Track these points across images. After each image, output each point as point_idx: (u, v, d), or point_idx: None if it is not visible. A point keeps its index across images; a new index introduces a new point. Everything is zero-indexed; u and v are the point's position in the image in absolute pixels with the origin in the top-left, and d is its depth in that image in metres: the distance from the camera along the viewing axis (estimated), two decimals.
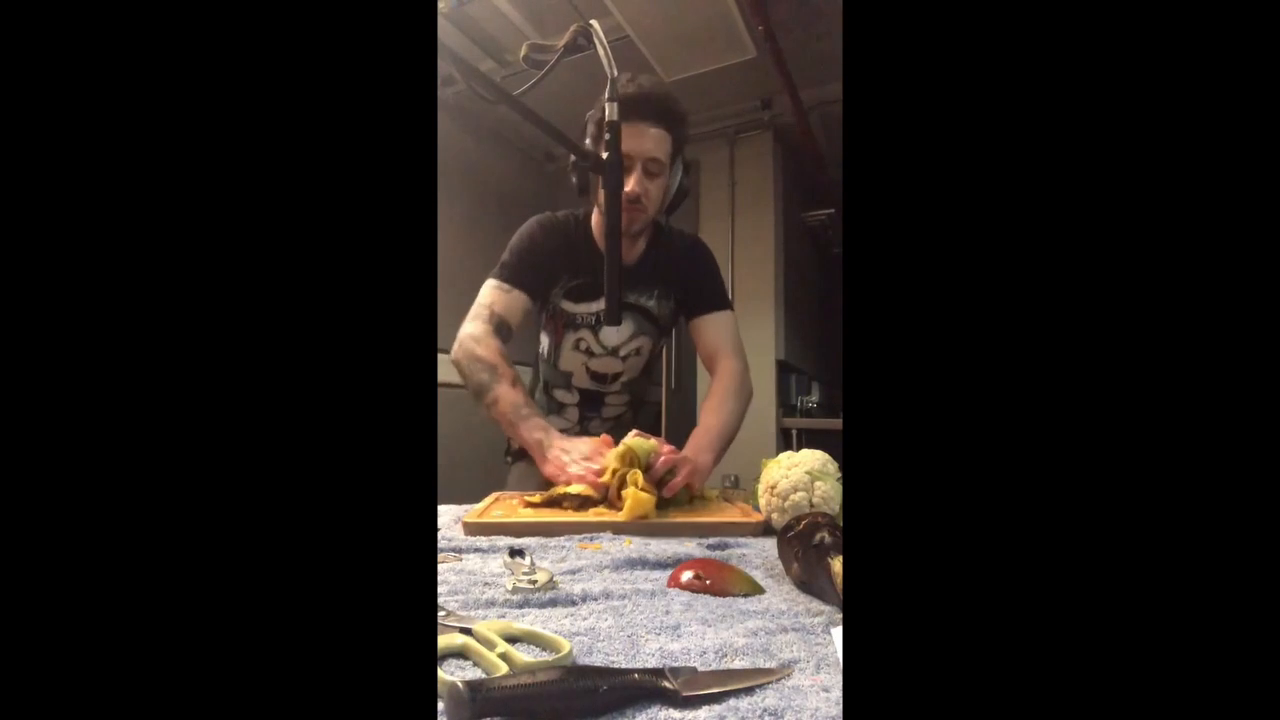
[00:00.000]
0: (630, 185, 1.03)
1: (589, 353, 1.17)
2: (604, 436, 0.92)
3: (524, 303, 1.08)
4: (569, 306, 1.13)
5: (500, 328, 1.05)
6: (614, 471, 0.79)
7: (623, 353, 1.18)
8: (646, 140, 1.03)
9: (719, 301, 1.19)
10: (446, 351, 1.07)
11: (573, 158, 1.03)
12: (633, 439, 0.83)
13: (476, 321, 1.05)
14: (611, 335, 1.16)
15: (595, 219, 1.12)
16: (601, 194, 1.03)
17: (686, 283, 1.18)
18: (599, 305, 1.13)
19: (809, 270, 3.46)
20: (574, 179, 1.06)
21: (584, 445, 0.90)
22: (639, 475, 0.77)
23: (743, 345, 1.19)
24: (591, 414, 1.23)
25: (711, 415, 1.06)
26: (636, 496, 0.71)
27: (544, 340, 1.21)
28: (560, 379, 1.21)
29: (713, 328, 1.17)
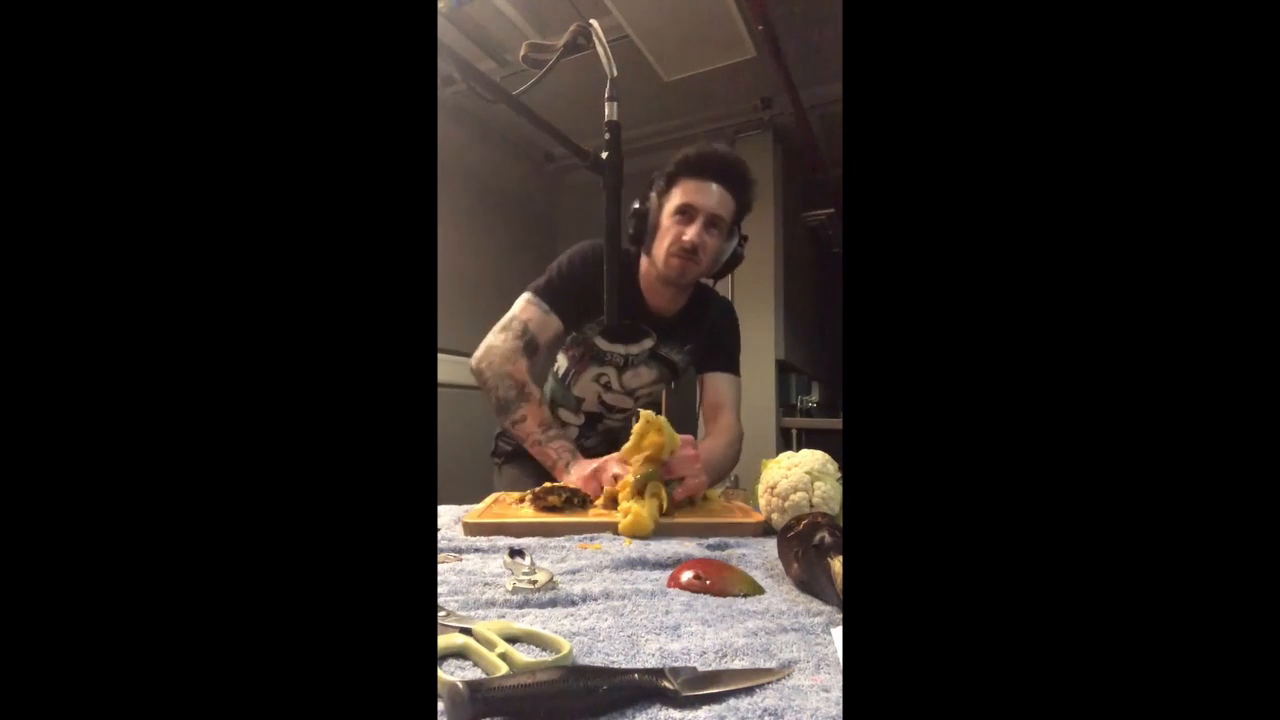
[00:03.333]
0: (691, 234, 1.03)
1: (607, 388, 1.18)
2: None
3: (558, 328, 1.07)
4: (601, 344, 1.13)
5: (530, 346, 1.04)
6: (632, 464, 0.78)
7: (639, 394, 1.21)
8: (712, 197, 1.04)
9: (733, 365, 1.21)
10: (447, 351, 1.07)
11: (635, 205, 1.05)
12: (662, 421, 0.80)
13: (507, 335, 1.04)
14: (632, 379, 1.17)
15: (645, 265, 1.12)
16: (659, 251, 1.05)
17: (710, 341, 1.20)
18: (631, 349, 1.14)
19: (809, 270, 3.46)
20: (630, 229, 1.06)
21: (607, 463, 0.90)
22: (653, 500, 0.75)
23: (740, 410, 1.21)
24: (590, 432, 1.26)
25: (717, 447, 1.09)
26: (637, 515, 0.70)
27: (561, 359, 1.21)
28: (569, 401, 1.21)
29: (721, 385, 1.19)
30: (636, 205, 1.08)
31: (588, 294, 1.07)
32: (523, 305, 1.07)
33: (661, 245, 1.05)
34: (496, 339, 1.04)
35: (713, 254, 1.08)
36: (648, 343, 1.13)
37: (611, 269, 0.73)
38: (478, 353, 1.04)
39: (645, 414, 0.81)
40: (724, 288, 2.69)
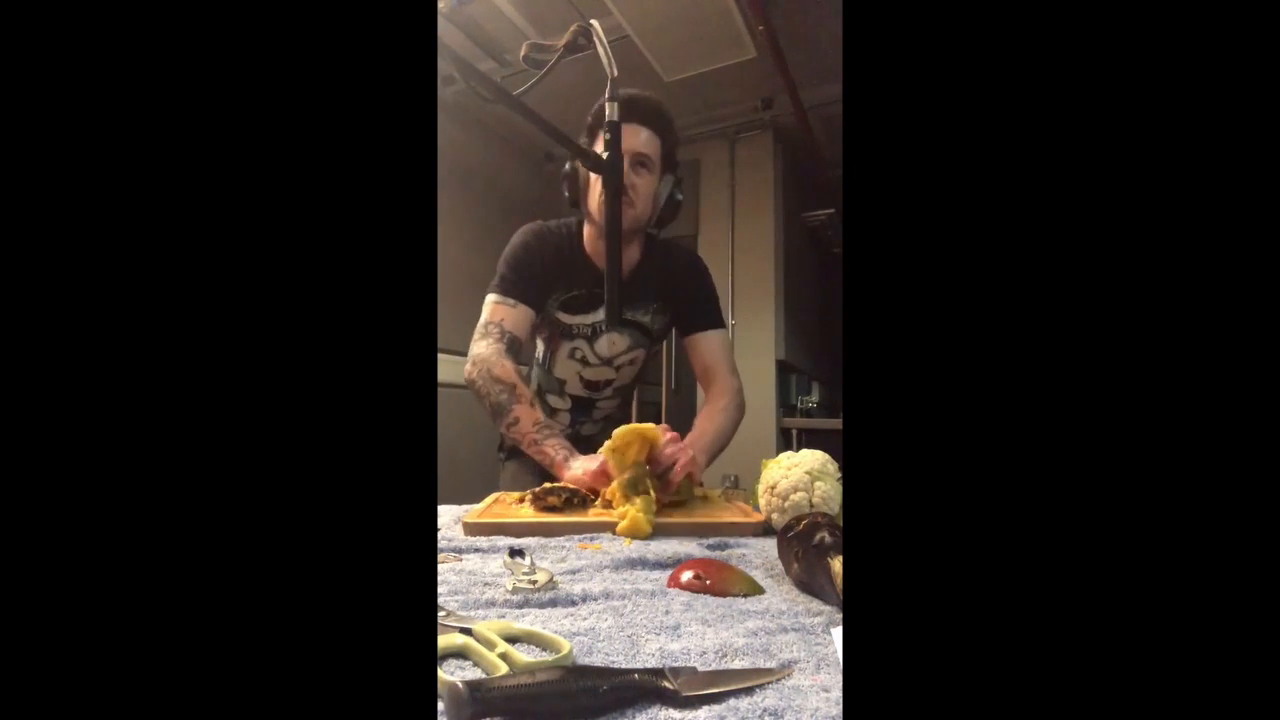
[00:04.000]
0: None
1: (584, 362, 1.17)
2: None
3: (529, 316, 1.08)
4: (564, 318, 1.13)
5: (512, 345, 1.05)
6: (619, 475, 0.78)
7: (617, 363, 1.19)
8: (635, 138, 1.03)
9: (714, 319, 1.20)
10: (446, 351, 1.07)
11: (565, 167, 1.04)
12: (631, 426, 0.81)
13: (488, 340, 1.04)
14: (606, 347, 1.16)
15: (588, 231, 1.12)
16: (592, 204, 1.04)
17: (682, 298, 1.19)
18: (594, 317, 1.13)
19: (809, 270, 3.46)
20: (565, 191, 1.06)
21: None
22: (643, 500, 0.75)
23: (735, 364, 1.21)
24: (582, 418, 1.25)
25: (708, 421, 1.08)
26: (635, 518, 0.70)
27: (539, 346, 1.21)
28: (554, 385, 1.21)
29: (709, 345, 1.18)
30: (566, 168, 1.07)
31: (541, 274, 1.09)
32: (491, 308, 1.07)
33: (593, 196, 1.05)
34: (479, 347, 1.05)
35: (646, 195, 1.06)
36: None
37: (613, 269, 0.73)
38: (467, 365, 1.05)
39: (618, 431, 0.81)
40: (724, 286, 2.70)
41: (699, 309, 1.19)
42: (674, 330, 1.24)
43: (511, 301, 1.07)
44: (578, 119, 1.07)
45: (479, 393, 1.03)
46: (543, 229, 1.12)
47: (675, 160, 1.12)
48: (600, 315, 1.13)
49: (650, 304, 1.16)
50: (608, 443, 0.81)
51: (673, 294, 1.18)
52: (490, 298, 1.08)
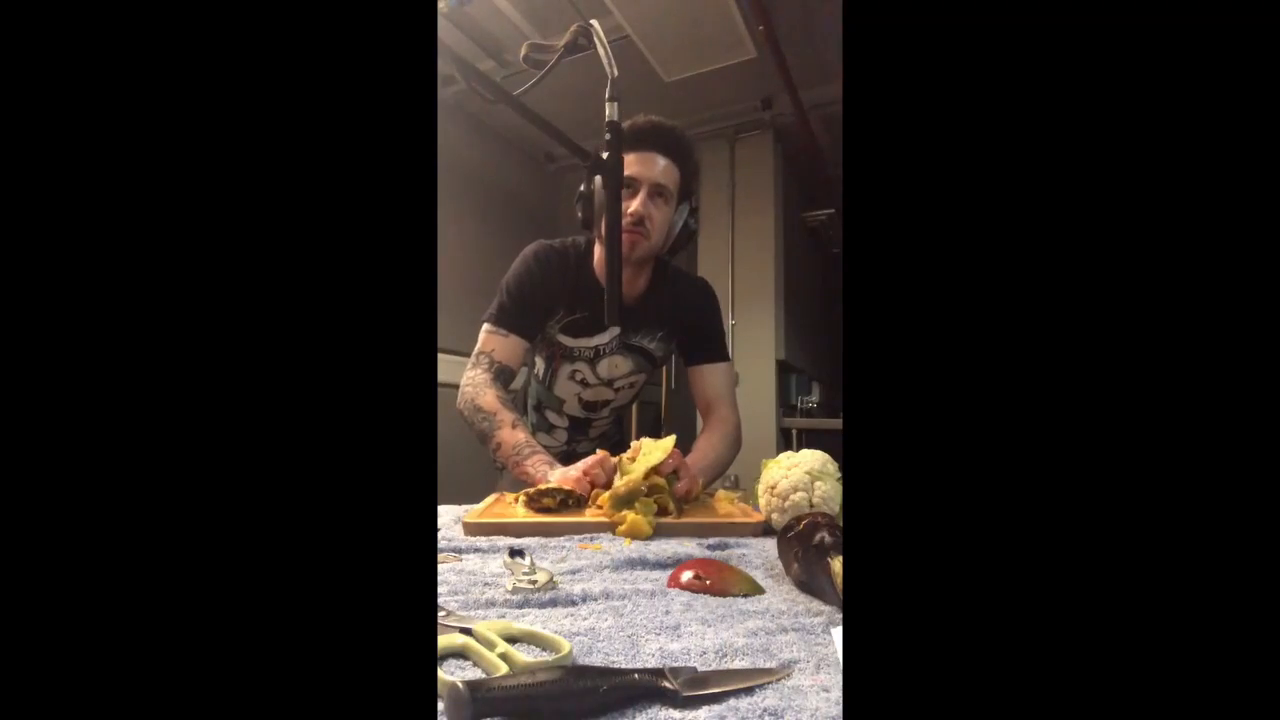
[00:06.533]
0: (635, 205, 1.03)
1: (584, 384, 1.18)
2: (601, 453, 0.92)
3: (522, 346, 1.09)
4: (566, 340, 1.13)
5: (501, 374, 1.06)
6: (617, 484, 0.79)
7: (617, 385, 1.20)
8: (654, 167, 1.04)
9: (719, 353, 1.21)
10: (447, 351, 1.08)
11: (581, 188, 1.05)
12: (651, 445, 0.83)
13: (478, 370, 1.06)
14: (607, 369, 1.16)
15: (597, 251, 1.12)
16: (605, 224, 1.04)
17: (689, 328, 1.19)
18: (597, 340, 1.13)
19: (809, 270, 3.46)
20: (579, 213, 1.06)
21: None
22: (643, 502, 0.75)
23: (736, 399, 1.21)
24: (579, 436, 1.26)
25: (710, 448, 1.09)
26: (634, 521, 0.70)
27: (538, 362, 1.21)
28: (552, 402, 1.22)
29: (712, 379, 1.19)
30: (582, 188, 1.07)
31: (540, 301, 1.09)
32: (483, 337, 1.09)
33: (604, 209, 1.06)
34: (468, 376, 1.06)
35: (661, 226, 1.07)
36: (614, 329, 1.13)
37: (613, 269, 0.73)
38: (458, 395, 1.06)
39: (645, 441, 0.83)
40: (724, 287, 2.70)
41: (705, 341, 1.20)
42: (678, 351, 1.25)
43: (504, 332, 1.08)
44: (578, 119, 1.07)
45: (467, 422, 1.05)
46: (547, 252, 1.11)
47: (692, 188, 1.12)
48: (604, 339, 1.13)
49: (656, 331, 1.16)
50: (628, 451, 0.83)
51: (679, 324, 1.18)
52: (485, 327, 1.09)
